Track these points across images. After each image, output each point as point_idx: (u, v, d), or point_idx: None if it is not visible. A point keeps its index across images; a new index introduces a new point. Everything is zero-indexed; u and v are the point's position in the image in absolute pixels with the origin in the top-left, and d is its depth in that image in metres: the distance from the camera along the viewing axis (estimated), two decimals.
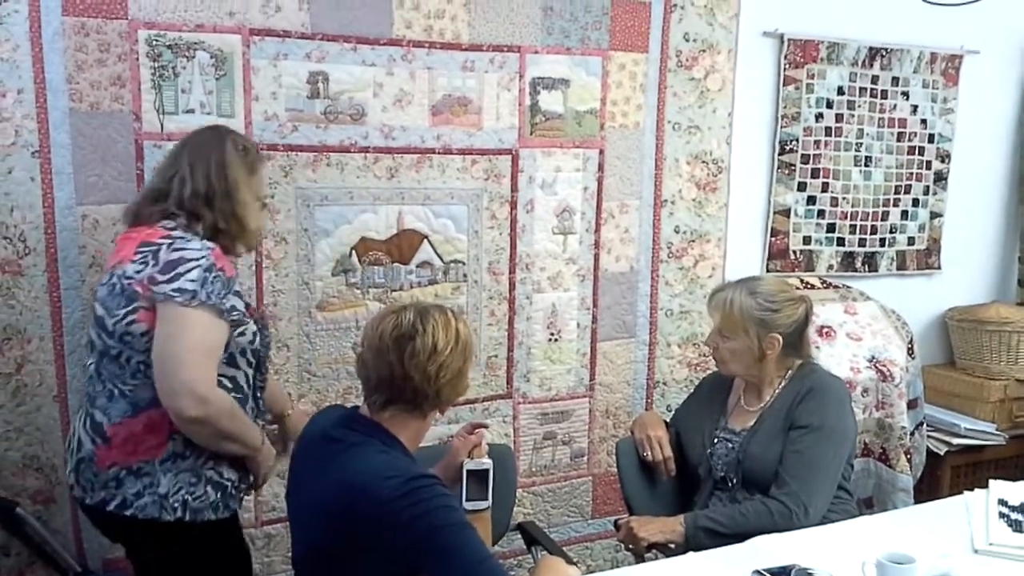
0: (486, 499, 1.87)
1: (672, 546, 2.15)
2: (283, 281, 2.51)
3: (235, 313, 1.86)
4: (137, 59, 2.27)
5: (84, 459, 1.85)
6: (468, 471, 1.88)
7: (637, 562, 2.18)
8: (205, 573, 1.94)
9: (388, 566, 1.54)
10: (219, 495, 1.90)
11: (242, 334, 1.87)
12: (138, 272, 1.81)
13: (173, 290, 1.77)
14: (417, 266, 2.67)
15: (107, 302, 1.84)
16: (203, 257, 1.81)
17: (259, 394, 1.99)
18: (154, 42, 2.28)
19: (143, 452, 1.83)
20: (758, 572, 1.79)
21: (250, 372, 1.94)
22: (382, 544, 1.52)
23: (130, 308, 1.80)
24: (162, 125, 2.31)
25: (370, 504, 1.52)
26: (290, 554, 1.78)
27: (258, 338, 1.93)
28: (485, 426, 2.03)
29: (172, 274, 1.79)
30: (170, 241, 1.84)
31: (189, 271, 1.79)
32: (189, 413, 1.76)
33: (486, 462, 1.90)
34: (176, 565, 1.89)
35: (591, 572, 2.78)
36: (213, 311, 1.80)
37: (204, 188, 1.89)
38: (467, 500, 1.84)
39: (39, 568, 2.25)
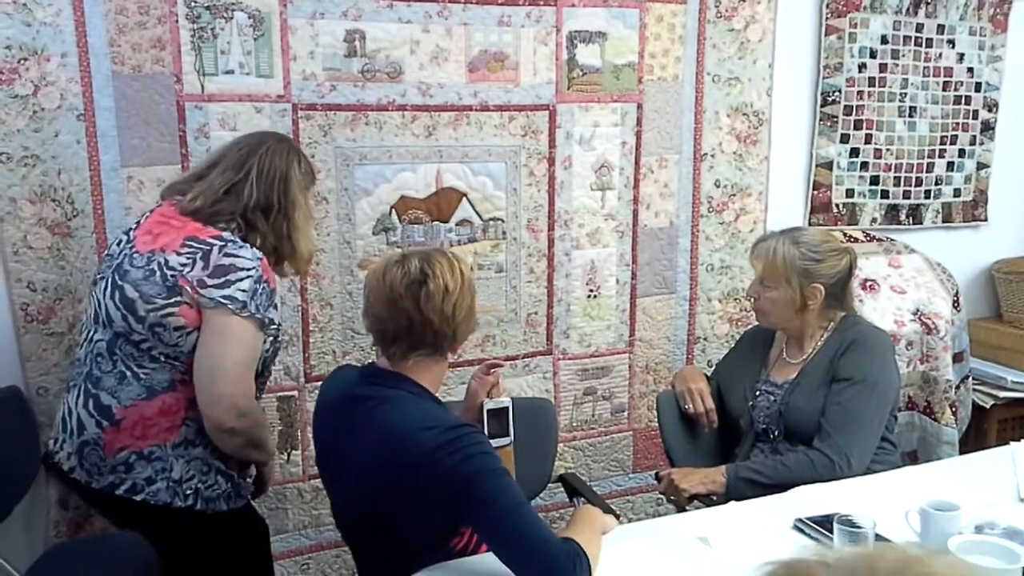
0: (508, 435, 1.94)
1: (714, 497, 2.17)
2: (325, 240, 2.53)
3: (272, 327, 1.88)
4: (176, 21, 2.28)
5: (88, 442, 1.82)
6: (488, 410, 1.95)
7: (679, 513, 2.20)
8: (220, 559, 1.93)
9: (430, 516, 1.58)
10: (229, 484, 1.92)
11: (263, 341, 1.87)
12: (184, 267, 1.79)
13: (224, 297, 1.77)
14: (456, 224, 2.68)
15: (142, 287, 1.80)
16: (254, 268, 1.81)
17: (258, 394, 1.96)
18: (192, 4, 2.29)
19: (154, 436, 1.82)
20: (800, 520, 1.80)
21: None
22: (425, 494, 1.55)
23: (171, 301, 1.78)
24: (203, 86, 2.33)
25: (412, 454, 1.55)
26: None
27: (271, 343, 1.92)
28: (500, 365, 2.07)
29: (223, 280, 1.78)
30: (222, 244, 1.82)
31: (241, 280, 1.79)
32: (227, 424, 1.78)
33: (504, 400, 1.97)
34: (189, 552, 1.86)
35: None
36: (257, 324, 1.81)
37: (264, 201, 1.89)
38: (489, 438, 1.89)
39: (97, 520, 2.31)
